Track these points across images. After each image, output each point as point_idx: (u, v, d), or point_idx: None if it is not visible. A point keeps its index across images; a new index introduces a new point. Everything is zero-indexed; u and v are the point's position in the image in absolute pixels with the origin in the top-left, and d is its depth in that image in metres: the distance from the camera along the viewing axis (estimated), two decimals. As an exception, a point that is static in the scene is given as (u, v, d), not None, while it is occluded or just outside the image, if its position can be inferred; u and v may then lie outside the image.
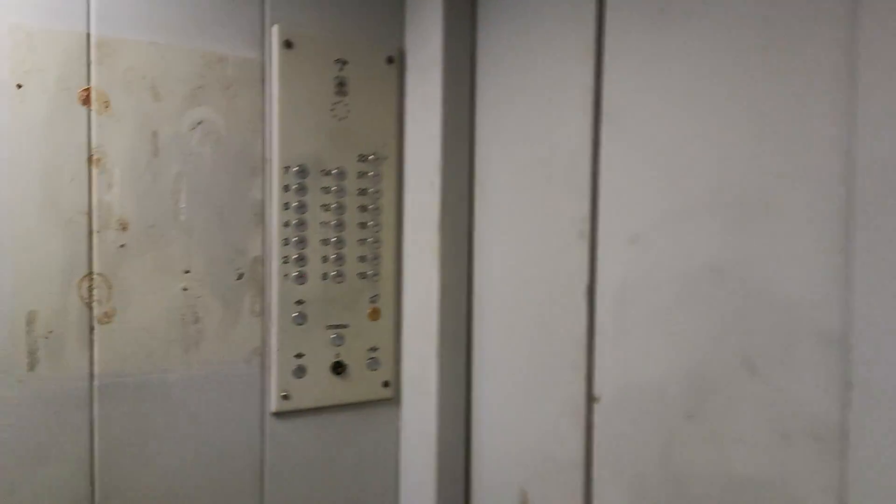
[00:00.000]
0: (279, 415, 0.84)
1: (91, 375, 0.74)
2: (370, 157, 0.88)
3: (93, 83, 0.72)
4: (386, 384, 0.90)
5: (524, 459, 0.79)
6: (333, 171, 0.85)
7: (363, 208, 0.88)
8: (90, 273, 0.73)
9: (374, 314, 0.89)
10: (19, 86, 0.69)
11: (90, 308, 0.73)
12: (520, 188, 0.79)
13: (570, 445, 0.72)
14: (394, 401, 0.91)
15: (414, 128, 0.89)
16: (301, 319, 0.84)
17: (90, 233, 0.73)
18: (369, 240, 0.88)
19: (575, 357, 0.71)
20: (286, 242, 0.83)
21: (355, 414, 0.89)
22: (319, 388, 0.86)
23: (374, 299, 0.89)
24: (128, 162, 0.74)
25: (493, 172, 0.83)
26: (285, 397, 0.83)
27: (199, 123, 0.78)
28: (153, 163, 0.76)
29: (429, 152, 0.85)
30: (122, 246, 0.75)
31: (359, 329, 0.88)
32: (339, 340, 0.86)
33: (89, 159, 0.73)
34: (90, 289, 0.73)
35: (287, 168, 0.82)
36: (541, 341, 0.76)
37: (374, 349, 0.89)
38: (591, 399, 0.70)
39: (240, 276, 0.81)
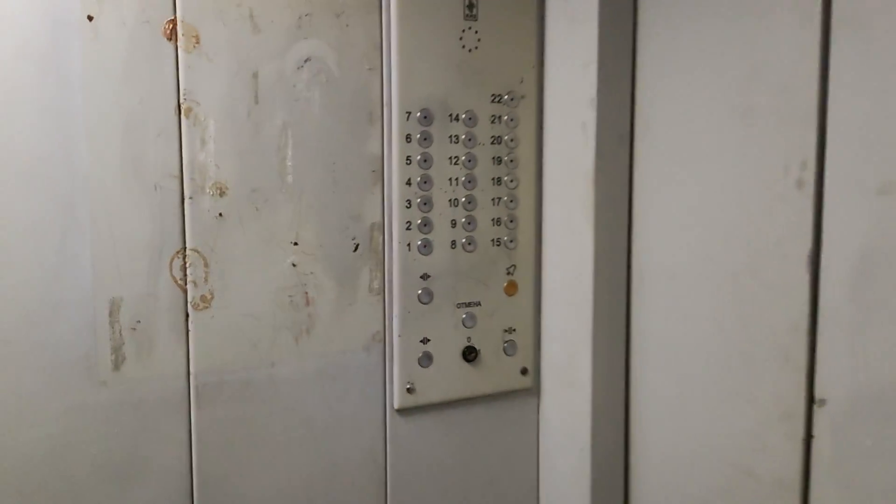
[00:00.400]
0: (403, 411, 0.71)
1: (187, 373, 0.61)
2: (505, 97, 0.71)
3: (178, 14, 0.58)
4: (524, 371, 0.76)
5: (707, 472, 0.64)
6: (462, 116, 0.70)
7: (497, 160, 0.72)
8: (183, 249, 0.60)
9: (511, 288, 0.74)
10: (90, 18, 0.55)
11: (184, 291, 0.61)
12: (702, 125, 0.62)
13: (779, 458, 0.57)
14: (532, 391, 0.77)
15: (559, 57, 0.71)
16: (427, 297, 0.70)
17: (182, 200, 0.60)
18: (504, 199, 0.73)
19: (789, 346, 0.56)
20: (408, 205, 0.68)
21: (488, 407, 0.75)
22: (448, 378, 0.72)
23: (510, 271, 0.74)
24: (224, 111, 0.60)
25: (662, 106, 0.66)
26: (410, 390, 0.70)
27: (307, 61, 0.63)
28: (254, 112, 0.61)
29: (579, 85, 0.68)
30: (219, 215, 0.61)
31: (493, 307, 0.73)
32: (470, 321, 0.72)
33: (178, 108, 0.59)
34: (183, 268, 0.60)
35: (408, 114, 0.67)
36: (734, 325, 0.60)
37: (510, 330, 0.74)
38: (812, 402, 0.55)
39: (356, 248, 0.67)
